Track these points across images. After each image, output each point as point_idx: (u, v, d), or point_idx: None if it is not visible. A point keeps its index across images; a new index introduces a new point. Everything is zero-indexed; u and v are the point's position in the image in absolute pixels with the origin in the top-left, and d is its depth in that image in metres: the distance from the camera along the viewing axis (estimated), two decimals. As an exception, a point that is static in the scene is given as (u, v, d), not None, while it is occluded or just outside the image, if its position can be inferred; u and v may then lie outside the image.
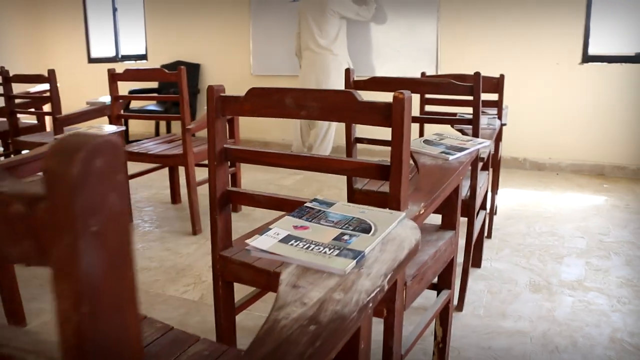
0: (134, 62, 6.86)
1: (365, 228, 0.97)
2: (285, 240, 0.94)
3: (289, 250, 0.90)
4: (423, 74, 3.14)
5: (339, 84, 5.05)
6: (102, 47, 7.14)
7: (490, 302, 2.40)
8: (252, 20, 5.94)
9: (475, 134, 2.02)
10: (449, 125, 2.75)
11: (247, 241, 0.94)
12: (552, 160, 5.03)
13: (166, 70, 3.18)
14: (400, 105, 1.17)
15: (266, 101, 1.38)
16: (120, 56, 6.99)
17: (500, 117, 3.02)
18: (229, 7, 6.06)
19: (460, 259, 2.36)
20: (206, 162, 3.32)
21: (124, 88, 6.40)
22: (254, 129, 6.13)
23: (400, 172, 1.20)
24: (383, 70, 5.42)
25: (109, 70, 3.34)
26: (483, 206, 2.67)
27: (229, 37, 6.15)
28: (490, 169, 3.22)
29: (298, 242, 0.93)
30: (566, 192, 4.29)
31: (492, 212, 3.34)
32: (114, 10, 6.87)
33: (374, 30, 5.40)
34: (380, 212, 1.04)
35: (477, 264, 2.76)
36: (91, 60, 7.18)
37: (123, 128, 2.46)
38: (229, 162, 1.53)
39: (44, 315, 2.29)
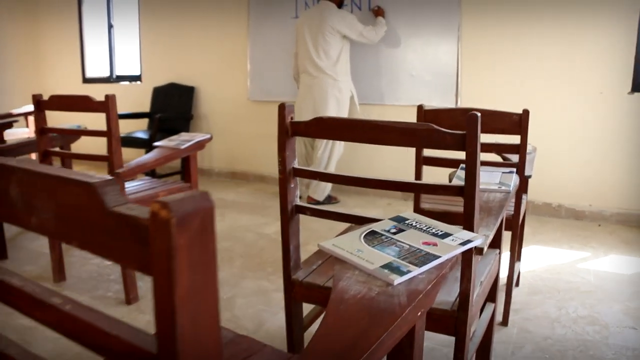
0: (128, 83, 6.30)
1: None
2: None
3: None
4: (420, 107, 2.39)
5: (340, 115, 4.35)
6: (97, 66, 6.60)
7: None
8: (250, 39, 5.29)
9: (469, 219, 1.26)
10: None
11: None
12: (593, 208, 4.18)
13: (94, 98, 2.52)
14: (165, 247, 0.44)
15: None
16: (115, 76, 6.43)
17: (521, 169, 2.25)
18: (226, 25, 5.43)
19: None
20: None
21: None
22: (252, 163, 5.46)
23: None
24: (394, 97, 4.68)
25: (34, 96, 2.71)
26: (491, 297, 1.90)
27: (225, 58, 5.51)
28: (510, 233, 2.45)
29: None
30: (610, 253, 3.45)
31: (511, 285, 2.54)
32: (110, 27, 6.34)
33: (384, 51, 4.67)
34: None
35: (483, 374, 1.98)
36: (86, 80, 6.64)
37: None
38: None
39: None
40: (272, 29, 5.15)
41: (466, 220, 1.30)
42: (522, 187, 2.50)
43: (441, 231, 1.07)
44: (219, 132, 5.64)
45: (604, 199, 4.14)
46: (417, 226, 1.10)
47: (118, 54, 6.41)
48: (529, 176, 2.34)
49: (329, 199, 4.60)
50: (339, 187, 5.02)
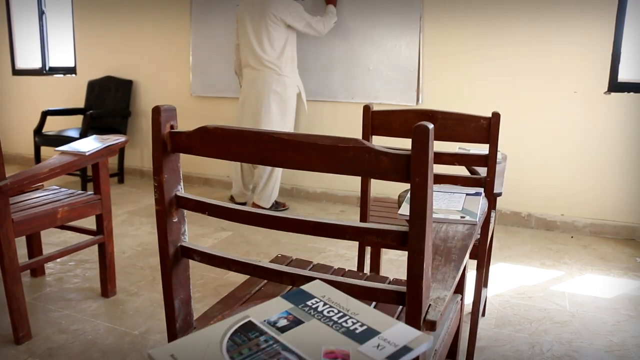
0: (62, 75, 5.71)
1: None
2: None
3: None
4: (366, 108, 1.95)
5: (284, 114, 3.90)
6: (29, 56, 5.99)
7: None
8: (193, 30, 4.78)
9: (415, 287, 0.83)
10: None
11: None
12: (566, 218, 3.82)
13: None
14: None
15: None
16: (47, 68, 5.84)
17: (490, 186, 1.84)
18: (167, 14, 4.91)
19: None
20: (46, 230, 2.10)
21: (43, 105, 5.32)
22: (195, 164, 4.96)
23: None
24: (348, 94, 4.25)
25: None
26: (452, 354, 1.48)
27: (166, 50, 5.00)
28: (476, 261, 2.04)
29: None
30: (586, 271, 3.09)
31: (477, 317, 2.13)
32: (41, 13, 5.73)
33: (338, 42, 4.23)
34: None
35: None
36: (16, 72, 6.03)
37: None
38: None
39: None
40: (216, 18, 4.65)
41: (410, 290, 0.87)
42: (491, 204, 2.09)
43: (362, 325, 0.63)
44: (161, 131, 5.13)
45: (577, 208, 3.79)
46: (325, 312, 0.66)
47: (51, 44, 5.82)
48: (499, 194, 1.93)
49: (276, 206, 4.15)
50: (289, 192, 4.59)
